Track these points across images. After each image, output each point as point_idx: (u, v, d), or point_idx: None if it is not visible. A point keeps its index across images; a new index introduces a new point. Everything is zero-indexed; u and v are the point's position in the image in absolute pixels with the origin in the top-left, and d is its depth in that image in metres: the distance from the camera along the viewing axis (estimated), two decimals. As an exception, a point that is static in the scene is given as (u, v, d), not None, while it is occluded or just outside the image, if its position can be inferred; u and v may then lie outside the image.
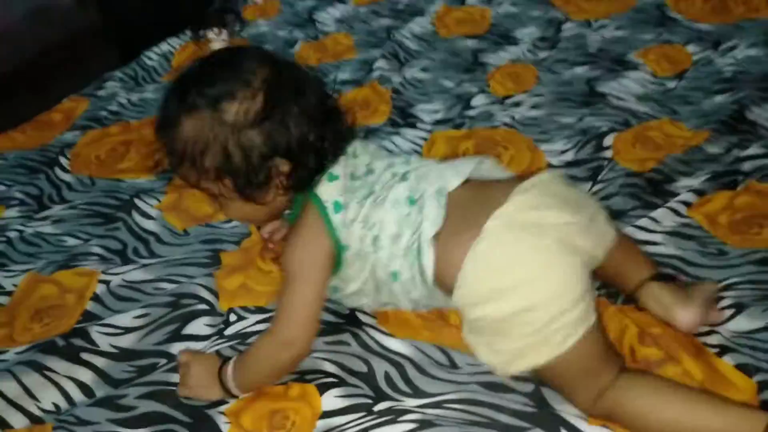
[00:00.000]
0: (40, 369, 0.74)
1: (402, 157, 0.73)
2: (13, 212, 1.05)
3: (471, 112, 1.08)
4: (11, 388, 0.73)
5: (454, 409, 0.64)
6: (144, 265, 0.87)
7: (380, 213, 0.67)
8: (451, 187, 0.67)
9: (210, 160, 0.63)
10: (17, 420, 0.72)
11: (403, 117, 1.12)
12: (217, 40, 0.60)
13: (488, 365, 0.64)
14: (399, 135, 1.08)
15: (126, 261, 0.90)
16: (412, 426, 0.63)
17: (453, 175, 0.68)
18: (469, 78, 1.19)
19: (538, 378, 0.64)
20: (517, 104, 1.08)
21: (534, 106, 1.06)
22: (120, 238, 0.94)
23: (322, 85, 0.68)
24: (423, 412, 0.64)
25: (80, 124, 1.26)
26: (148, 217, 0.97)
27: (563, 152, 0.96)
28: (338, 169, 0.68)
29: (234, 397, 0.69)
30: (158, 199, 1.00)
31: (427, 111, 1.12)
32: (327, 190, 0.67)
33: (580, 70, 1.16)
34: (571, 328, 0.59)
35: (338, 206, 0.67)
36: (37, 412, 0.72)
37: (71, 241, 0.96)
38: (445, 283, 0.65)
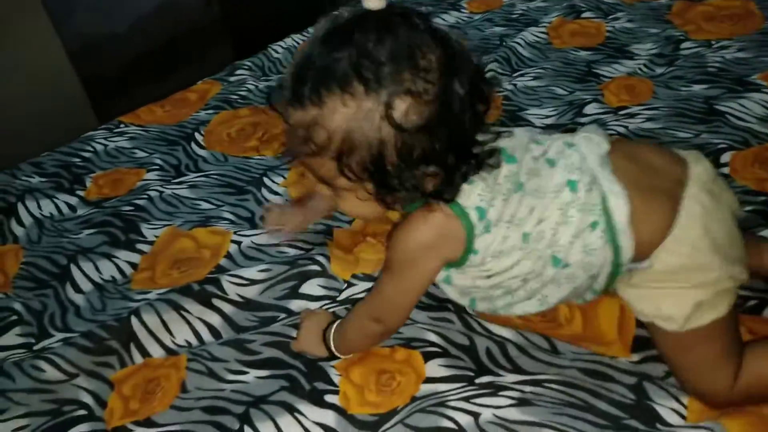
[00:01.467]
0: (177, 308, 0.84)
1: (528, 132, 0.65)
2: (152, 175, 1.18)
3: (583, 119, 1.10)
4: (152, 322, 0.83)
5: (552, 389, 0.68)
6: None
7: (534, 204, 0.60)
8: (606, 154, 0.62)
9: (358, 158, 0.53)
10: (155, 350, 0.82)
11: (513, 120, 1.16)
12: None
13: (661, 318, 0.62)
14: (508, 137, 1.12)
15: (254, 227, 1.00)
16: (510, 402, 0.67)
17: (601, 141, 0.63)
18: (582, 87, 1.21)
19: (677, 362, 0.64)
20: (631, 115, 1.09)
21: (649, 119, 1.07)
22: (249, 207, 1.04)
23: (479, 65, 0.56)
24: (521, 390, 0.68)
25: (213, 104, 1.39)
26: (275, 193, 1.06)
27: (677, 165, 0.96)
28: None
29: (335, 357, 0.74)
30: (283, 176, 1.09)
31: (538, 116, 1.15)
32: (466, 194, 0.59)
33: (697, 88, 1.15)
34: (735, 291, 0.63)
35: (481, 212, 0.59)
36: (172, 346, 0.82)
37: (205, 205, 1.07)
38: (636, 255, 0.61)
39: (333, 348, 0.74)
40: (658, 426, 0.63)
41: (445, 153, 0.54)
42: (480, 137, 0.58)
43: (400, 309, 0.67)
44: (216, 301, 0.85)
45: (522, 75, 1.29)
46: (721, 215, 0.62)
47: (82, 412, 0.76)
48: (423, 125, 0.52)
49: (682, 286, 0.61)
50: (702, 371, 0.63)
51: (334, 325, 0.74)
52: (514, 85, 1.25)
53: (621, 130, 1.05)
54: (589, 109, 1.12)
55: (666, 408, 0.65)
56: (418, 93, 0.52)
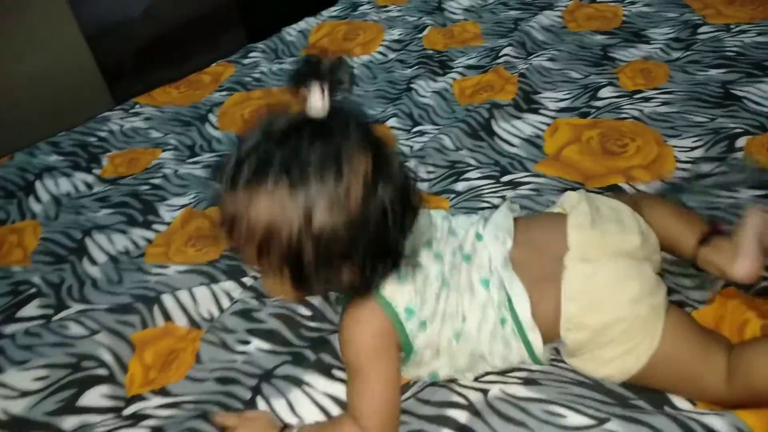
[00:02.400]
0: (209, 285, 0.87)
1: (446, 221, 0.69)
2: (167, 155, 1.20)
3: (598, 103, 1.09)
4: (185, 297, 0.86)
5: (560, 368, 0.68)
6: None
7: (459, 302, 0.65)
8: (508, 252, 0.67)
9: (277, 250, 0.56)
10: (178, 317, 0.84)
11: (527, 102, 1.15)
12: (316, 97, 0.47)
13: (607, 378, 0.65)
14: (521, 120, 1.11)
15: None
16: (518, 381, 0.68)
17: (505, 238, 0.68)
18: (597, 71, 1.20)
19: (659, 387, 0.65)
20: (646, 99, 1.08)
21: (664, 103, 1.06)
22: (261, 186, 1.05)
23: (407, 175, 0.60)
24: (529, 369, 0.68)
25: (227, 86, 1.40)
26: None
27: (692, 149, 0.95)
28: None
29: None
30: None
31: (552, 99, 1.15)
32: (397, 294, 0.62)
33: (714, 72, 1.13)
34: (659, 313, 0.64)
35: (411, 312, 0.63)
36: (196, 317, 0.84)
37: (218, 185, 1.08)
38: (547, 338, 0.66)
39: None
40: (666, 408, 0.63)
41: (362, 255, 0.57)
42: (405, 235, 0.60)
43: (393, 415, 0.64)
44: (244, 278, 0.87)
45: (538, 57, 1.28)
46: (608, 265, 0.64)
47: (103, 371, 0.77)
48: (341, 229, 0.55)
49: (601, 349, 0.64)
50: (684, 385, 0.63)
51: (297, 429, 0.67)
52: (530, 63, 1.24)
53: (635, 113, 1.04)
54: (604, 92, 1.12)
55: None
56: (338, 198, 0.54)
